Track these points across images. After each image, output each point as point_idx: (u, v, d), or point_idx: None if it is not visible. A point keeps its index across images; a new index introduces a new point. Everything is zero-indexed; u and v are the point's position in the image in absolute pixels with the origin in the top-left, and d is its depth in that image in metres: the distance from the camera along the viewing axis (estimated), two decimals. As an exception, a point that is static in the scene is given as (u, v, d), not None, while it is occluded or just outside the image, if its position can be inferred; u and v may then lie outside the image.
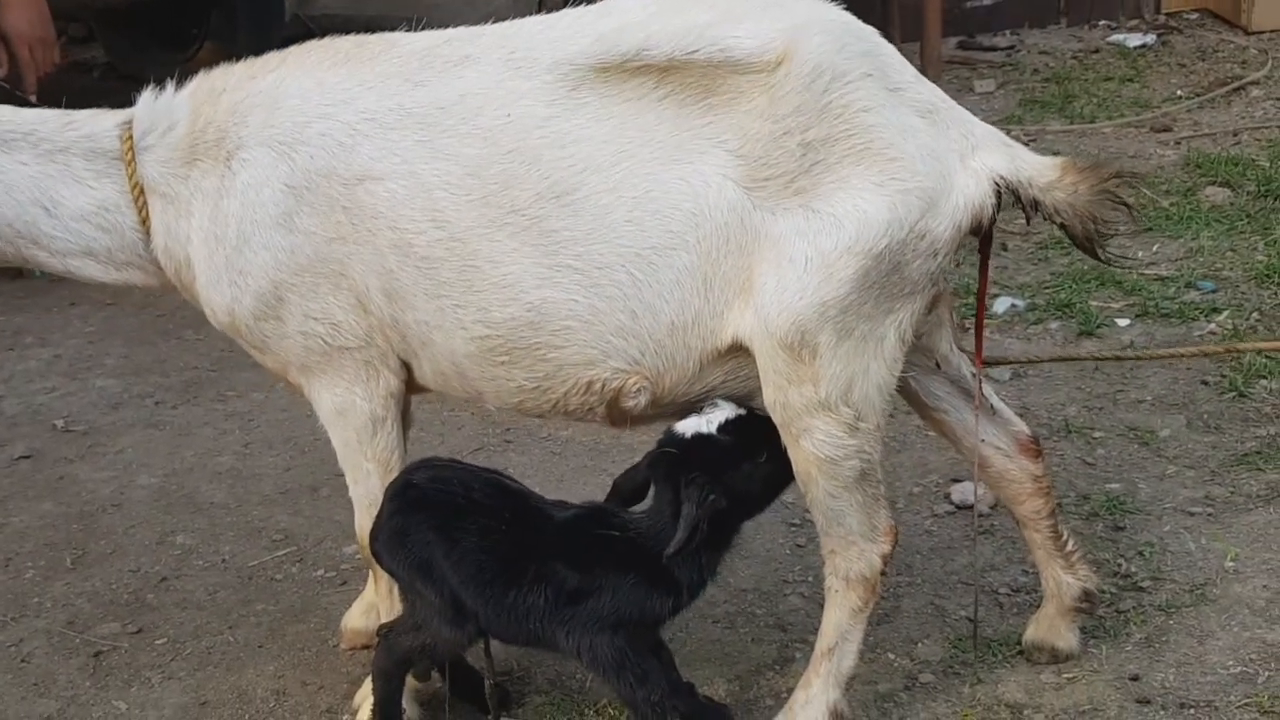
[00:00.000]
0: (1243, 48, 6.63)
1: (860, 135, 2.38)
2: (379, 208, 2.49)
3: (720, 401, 2.53)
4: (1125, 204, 2.54)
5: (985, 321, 2.76)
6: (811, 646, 2.92)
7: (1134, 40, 6.86)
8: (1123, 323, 4.26)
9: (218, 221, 2.56)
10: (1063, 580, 2.82)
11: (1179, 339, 4.13)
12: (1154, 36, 6.88)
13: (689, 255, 2.42)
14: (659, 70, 2.42)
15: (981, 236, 2.57)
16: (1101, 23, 7.23)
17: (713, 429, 2.49)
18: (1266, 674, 2.77)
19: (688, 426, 2.50)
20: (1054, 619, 2.84)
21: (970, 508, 3.43)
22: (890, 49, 2.52)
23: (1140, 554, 3.19)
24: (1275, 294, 4.32)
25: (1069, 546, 2.83)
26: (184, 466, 3.90)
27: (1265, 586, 3.05)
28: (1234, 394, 3.81)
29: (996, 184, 2.46)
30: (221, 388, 4.41)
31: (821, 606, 3.05)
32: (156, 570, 3.38)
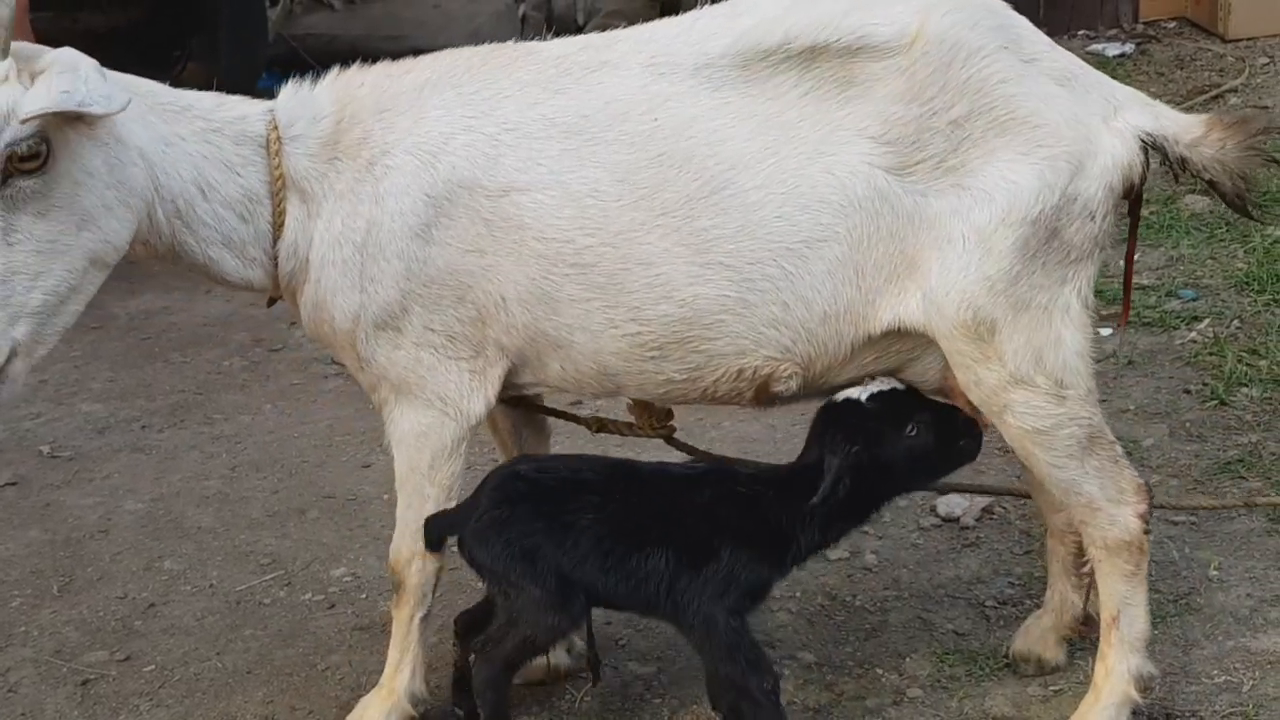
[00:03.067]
0: (1220, 56, 6.68)
1: (1002, 107, 2.42)
2: (524, 219, 2.48)
3: (881, 378, 2.59)
4: (1276, 160, 2.55)
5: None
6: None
7: (1113, 49, 6.90)
8: (1105, 332, 4.28)
9: (352, 226, 2.52)
10: (1069, 599, 2.83)
11: (1161, 347, 4.16)
12: (1132, 45, 6.92)
13: (840, 246, 2.45)
14: (799, 67, 2.45)
15: (1131, 198, 2.58)
16: (1080, 33, 7.27)
17: (863, 397, 2.55)
18: (1251, 683, 2.79)
19: (841, 394, 2.58)
20: (1046, 632, 2.86)
21: (956, 520, 3.46)
22: (1022, 20, 2.54)
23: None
24: (1255, 301, 4.35)
25: (1085, 569, 2.82)
26: (171, 491, 3.89)
27: (1249, 595, 3.07)
28: (1216, 402, 3.83)
29: (1142, 141, 2.48)
30: (208, 411, 4.41)
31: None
32: (144, 596, 3.38)
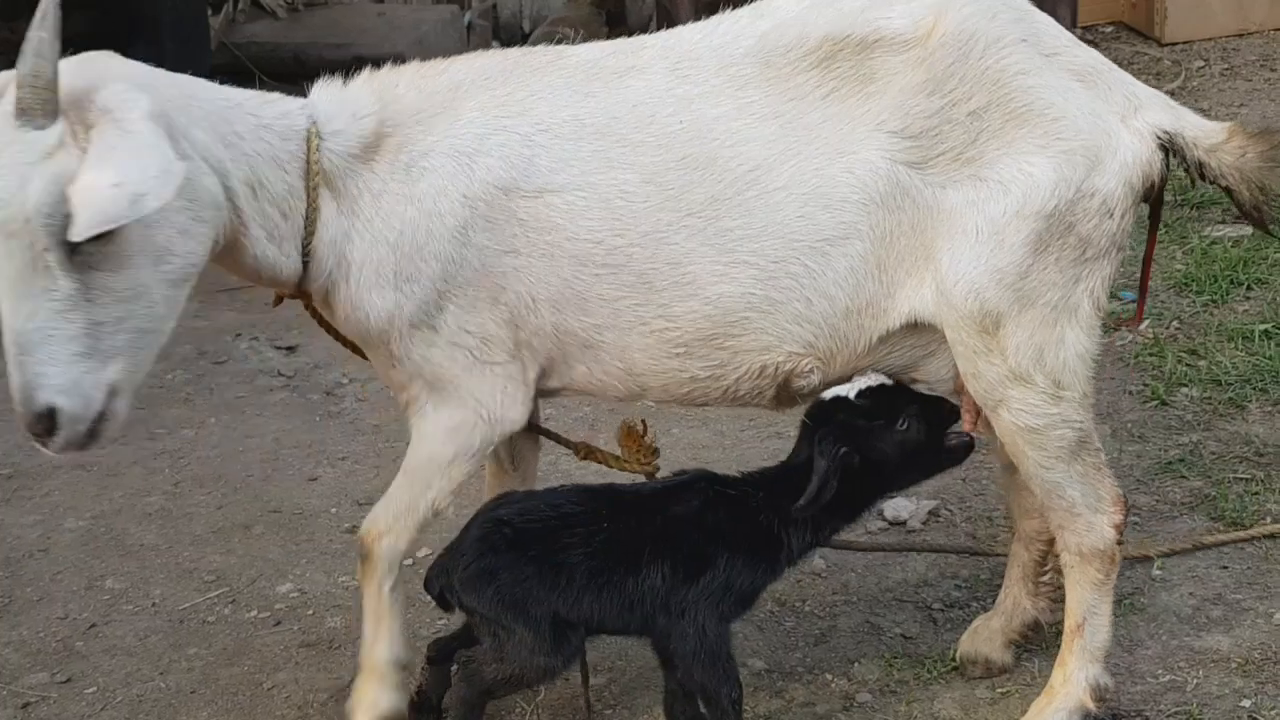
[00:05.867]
0: (1157, 59, 6.77)
1: (1020, 98, 2.42)
2: (556, 219, 2.50)
3: (870, 372, 2.59)
4: None
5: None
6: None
7: (1053, 53, 6.97)
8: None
9: (391, 227, 2.51)
10: (1022, 604, 2.86)
11: (1101, 349, 4.19)
12: (1072, 49, 7.00)
13: (863, 242, 2.47)
14: (819, 66, 2.48)
15: (1152, 199, 2.59)
16: (1021, 37, 7.34)
17: (851, 394, 2.55)
18: (1195, 681, 2.82)
19: (829, 392, 2.57)
20: (995, 634, 2.88)
21: (903, 523, 3.48)
22: (1042, 16, 2.55)
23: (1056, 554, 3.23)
24: (1194, 302, 4.41)
25: (1045, 577, 2.86)
26: (113, 508, 3.83)
27: (1191, 594, 3.11)
28: (1157, 403, 3.88)
29: (1161, 140, 2.48)
30: (151, 425, 4.34)
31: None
32: (85, 616, 3.32)
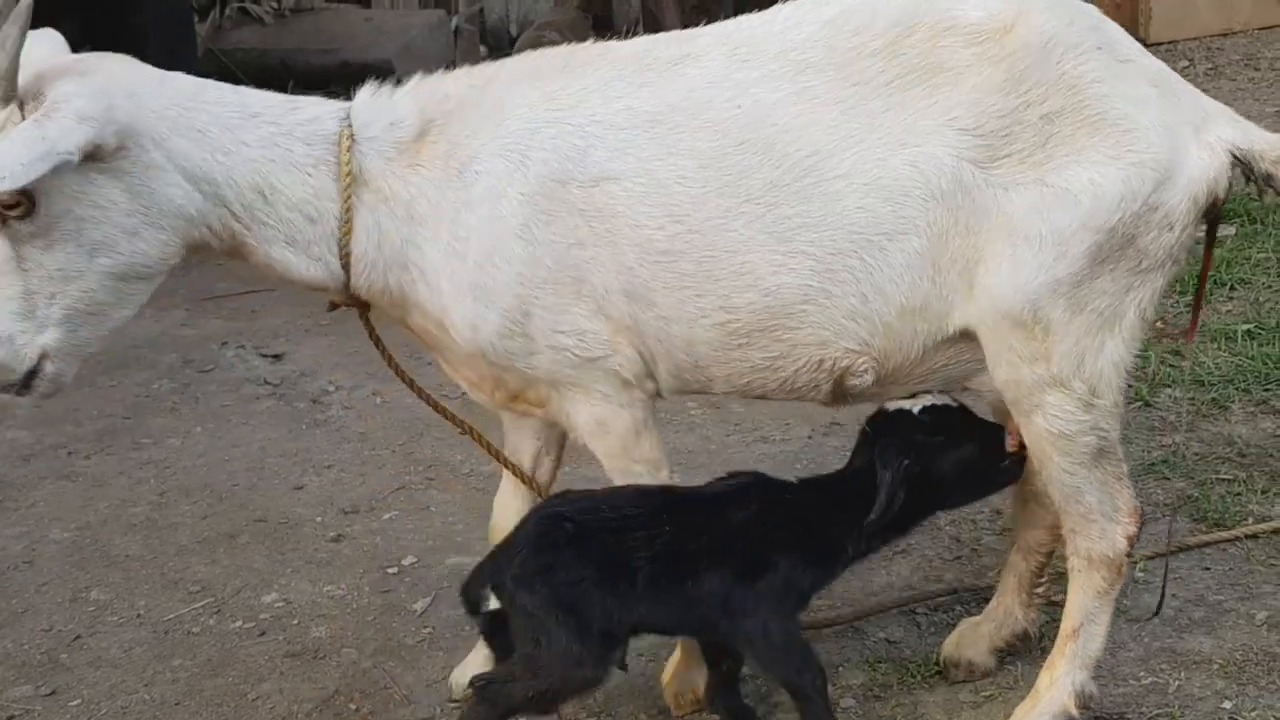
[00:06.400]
0: (1143, 59, 6.79)
1: (1094, 106, 2.38)
2: (617, 207, 2.47)
3: (935, 392, 2.61)
4: None
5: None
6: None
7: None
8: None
9: (458, 236, 2.50)
10: (1014, 613, 2.87)
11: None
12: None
13: (920, 239, 2.43)
14: (885, 52, 2.43)
15: (1211, 216, 2.53)
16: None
17: (915, 409, 2.57)
18: (1176, 683, 2.83)
19: (893, 404, 2.60)
20: (981, 639, 2.88)
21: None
22: (1114, 26, 2.52)
23: (1053, 568, 3.24)
24: (1178, 303, 4.39)
25: (1039, 589, 2.86)
26: (98, 519, 3.83)
27: (1174, 595, 3.11)
28: (1140, 404, 3.89)
29: (1233, 156, 2.45)
30: (136, 435, 4.35)
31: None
32: (70, 629, 3.31)
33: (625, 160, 2.48)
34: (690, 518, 2.57)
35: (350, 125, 2.52)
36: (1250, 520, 3.35)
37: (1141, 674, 2.87)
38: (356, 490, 3.93)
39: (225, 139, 2.46)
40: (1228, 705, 2.75)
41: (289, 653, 3.15)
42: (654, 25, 7.94)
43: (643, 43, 2.63)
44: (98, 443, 4.29)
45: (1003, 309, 2.41)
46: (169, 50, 8.54)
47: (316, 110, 2.56)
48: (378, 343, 2.76)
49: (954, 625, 3.02)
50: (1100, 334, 2.44)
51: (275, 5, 9.02)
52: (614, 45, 2.62)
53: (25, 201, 2.31)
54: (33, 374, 2.42)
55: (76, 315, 2.41)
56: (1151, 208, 2.40)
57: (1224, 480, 3.53)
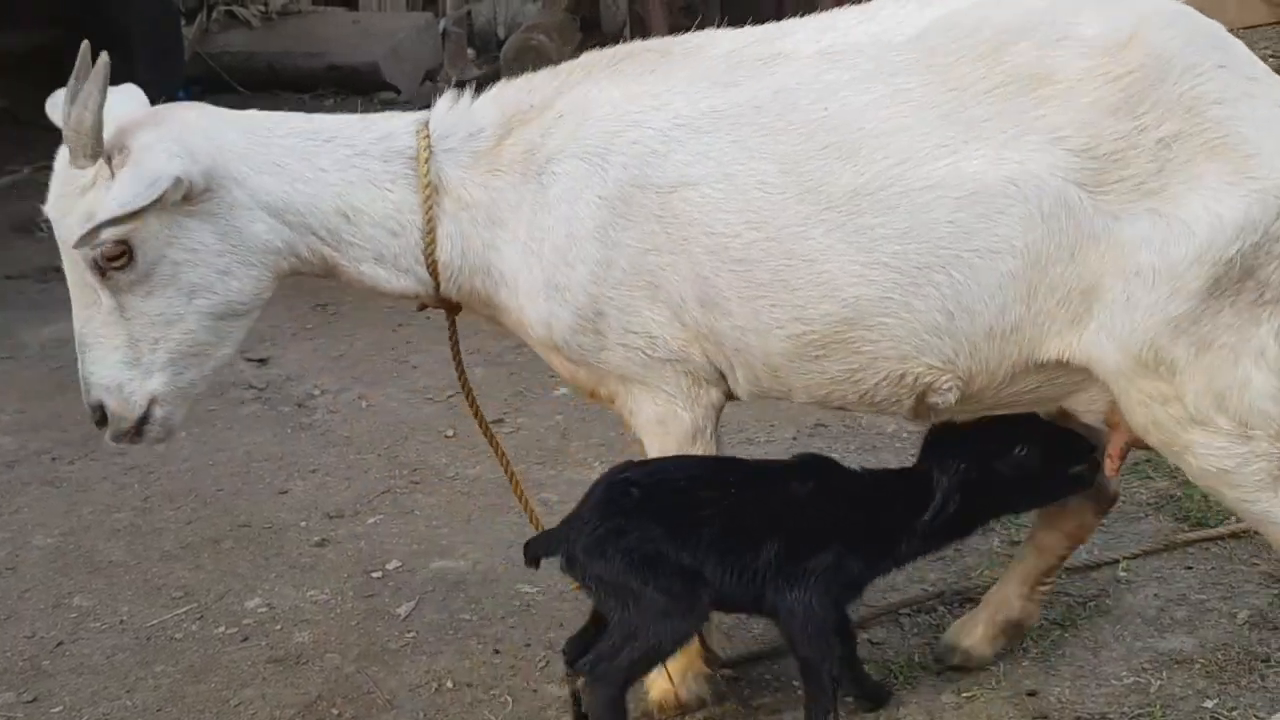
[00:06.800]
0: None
1: (1214, 130, 2.24)
2: (693, 214, 2.43)
3: None
4: None
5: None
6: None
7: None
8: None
9: (534, 236, 2.51)
10: (1011, 600, 2.86)
11: None
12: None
13: (1015, 260, 2.30)
14: (989, 58, 2.31)
15: None
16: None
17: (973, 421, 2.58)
18: (1158, 683, 2.83)
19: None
20: (976, 626, 2.89)
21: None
22: (1238, 42, 2.39)
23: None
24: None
25: (1044, 586, 2.85)
26: (81, 525, 3.82)
27: (1156, 595, 3.12)
28: (1124, 404, 3.89)
29: None
30: (121, 440, 4.33)
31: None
32: (53, 635, 3.30)
33: (704, 166, 2.43)
34: (753, 487, 2.61)
35: (428, 137, 2.55)
36: (1232, 520, 3.35)
37: (1124, 673, 2.87)
38: (341, 494, 3.93)
39: (303, 168, 2.52)
40: (1209, 704, 2.75)
41: (272, 658, 3.14)
42: (641, 27, 7.95)
43: (737, 38, 2.56)
44: (82, 448, 4.28)
45: (1124, 350, 2.30)
46: (156, 54, 8.55)
47: (389, 126, 2.59)
48: (456, 354, 2.83)
49: (936, 625, 3.03)
50: (1239, 368, 2.29)
51: (262, 8, 9.02)
52: (705, 42, 2.57)
53: (125, 252, 2.41)
54: (144, 420, 2.53)
55: (180, 358, 2.51)
56: (1273, 238, 2.24)
57: (1207, 479, 3.53)
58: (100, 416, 2.54)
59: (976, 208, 2.30)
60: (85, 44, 2.42)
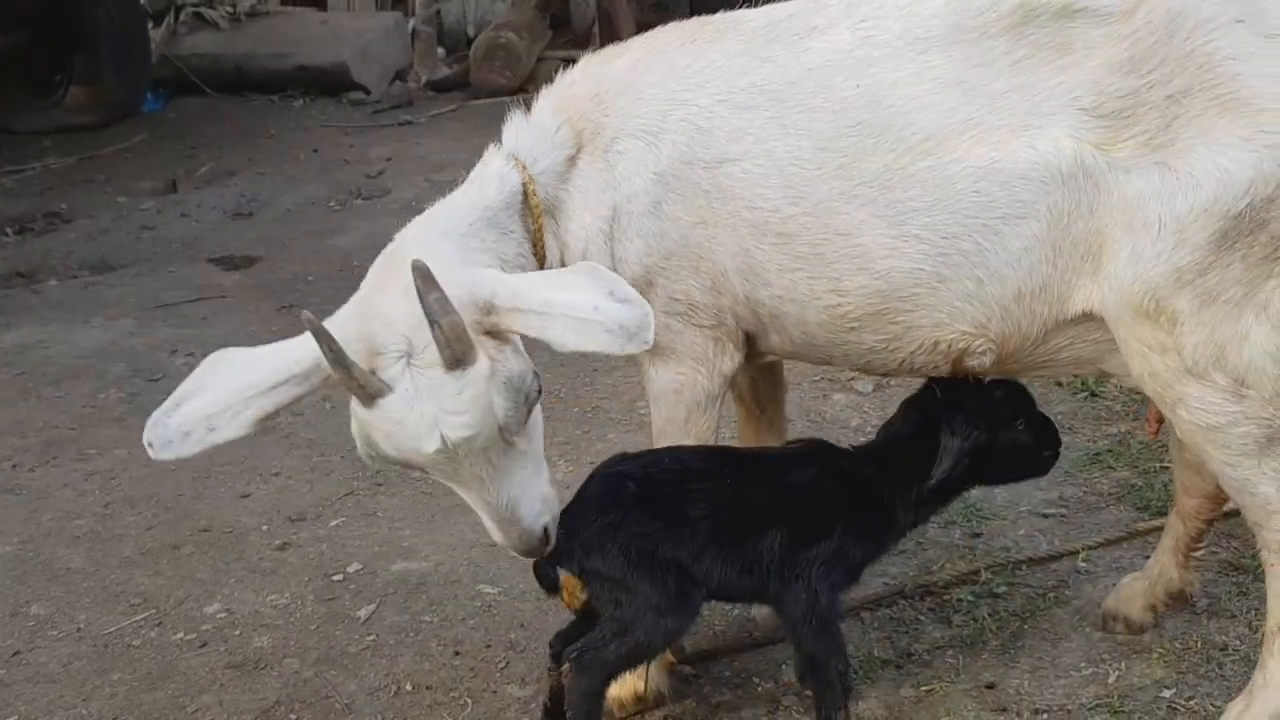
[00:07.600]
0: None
1: (1226, 85, 2.25)
2: (736, 189, 2.51)
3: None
4: None
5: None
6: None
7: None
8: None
9: (600, 215, 2.59)
10: (1169, 572, 2.89)
11: None
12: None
13: (1038, 223, 2.37)
14: (1012, 32, 2.37)
15: None
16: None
17: (974, 383, 2.61)
18: (1116, 674, 2.83)
19: (954, 377, 2.63)
20: (1136, 596, 2.91)
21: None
22: None
23: (996, 560, 3.25)
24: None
25: (1198, 551, 2.88)
26: (41, 532, 3.79)
27: (1115, 585, 3.11)
28: (1086, 394, 3.90)
29: None
30: (82, 445, 4.30)
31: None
32: (9, 644, 3.27)
33: (745, 141, 2.52)
34: (751, 477, 2.62)
35: (525, 167, 2.60)
36: (1193, 508, 3.35)
37: (1082, 664, 2.87)
38: (304, 498, 3.90)
39: (492, 242, 2.55)
40: (1167, 694, 2.76)
41: (230, 664, 3.12)
42: (610, 25, 7.92)
43: (773, 13, 2.62)
44: (43, 454, 4.25)
45: (1124, 298, 2.35)
46: (122, 56, 8.49)
47: (491, 170, 2.60)
48: None
49: (897, 619, 3.02)
50: (1241, 322, 2.32)
51: (230, 10, 8.95)
52: (744, 17, 2.64)
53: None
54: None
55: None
56: None
57: (1167, 469, 3.53)
58: (546, 538, 2.47)
59: (998, 176, 2.38)
60: (414, 263, 2.25)
